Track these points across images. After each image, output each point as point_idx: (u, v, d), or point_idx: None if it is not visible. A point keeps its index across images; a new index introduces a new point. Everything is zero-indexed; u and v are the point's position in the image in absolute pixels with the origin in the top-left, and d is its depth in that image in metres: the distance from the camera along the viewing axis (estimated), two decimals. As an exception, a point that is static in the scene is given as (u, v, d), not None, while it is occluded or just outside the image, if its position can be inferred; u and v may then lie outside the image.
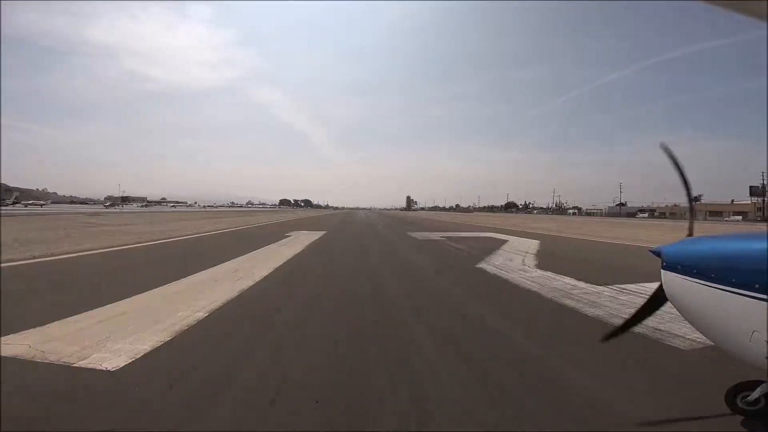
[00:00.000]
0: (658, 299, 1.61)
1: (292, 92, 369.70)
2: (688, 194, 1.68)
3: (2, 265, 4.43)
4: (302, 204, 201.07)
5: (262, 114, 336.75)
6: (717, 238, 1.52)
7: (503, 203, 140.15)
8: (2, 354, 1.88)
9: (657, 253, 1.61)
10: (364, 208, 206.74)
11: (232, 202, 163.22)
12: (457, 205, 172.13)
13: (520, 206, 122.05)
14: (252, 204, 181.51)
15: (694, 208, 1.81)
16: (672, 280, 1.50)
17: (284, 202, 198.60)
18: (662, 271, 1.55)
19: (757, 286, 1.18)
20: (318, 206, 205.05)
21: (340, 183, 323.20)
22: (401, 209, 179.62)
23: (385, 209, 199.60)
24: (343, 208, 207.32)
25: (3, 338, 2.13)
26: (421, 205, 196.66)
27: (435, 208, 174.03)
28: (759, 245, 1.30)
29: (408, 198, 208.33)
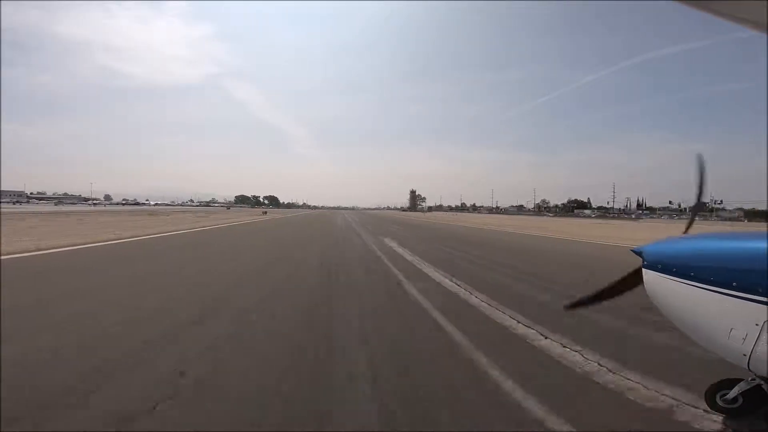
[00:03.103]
0: (629, 281, 2.04)
1: (269, 89, 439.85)
2: (699, 197, 2.13)
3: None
4: (266, 202, 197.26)
5: (238, 111, 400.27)
6: (696, 237, 1.89)
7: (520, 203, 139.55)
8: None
9: (638, 253, 1.98)
10: (347, 208, 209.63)
11: (191, 200, 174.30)
12: (463, 205, 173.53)
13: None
14: (215, 201, 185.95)
15: (696, 212, 2.32)
16: (652, 279, 1.86)
17: (243, 200, 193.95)
18: (643, 269, 1.92)
19: (734, 284, 1.52)
20: (291, 205, 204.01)
21: (320, 182, 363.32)
22: (402, 209, 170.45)
23: (369, 209, 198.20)
24: (322, 208, 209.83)
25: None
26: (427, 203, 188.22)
27: (439, 208, 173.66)
28: (736, 245, 1.67)
29: (413, 194, 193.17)
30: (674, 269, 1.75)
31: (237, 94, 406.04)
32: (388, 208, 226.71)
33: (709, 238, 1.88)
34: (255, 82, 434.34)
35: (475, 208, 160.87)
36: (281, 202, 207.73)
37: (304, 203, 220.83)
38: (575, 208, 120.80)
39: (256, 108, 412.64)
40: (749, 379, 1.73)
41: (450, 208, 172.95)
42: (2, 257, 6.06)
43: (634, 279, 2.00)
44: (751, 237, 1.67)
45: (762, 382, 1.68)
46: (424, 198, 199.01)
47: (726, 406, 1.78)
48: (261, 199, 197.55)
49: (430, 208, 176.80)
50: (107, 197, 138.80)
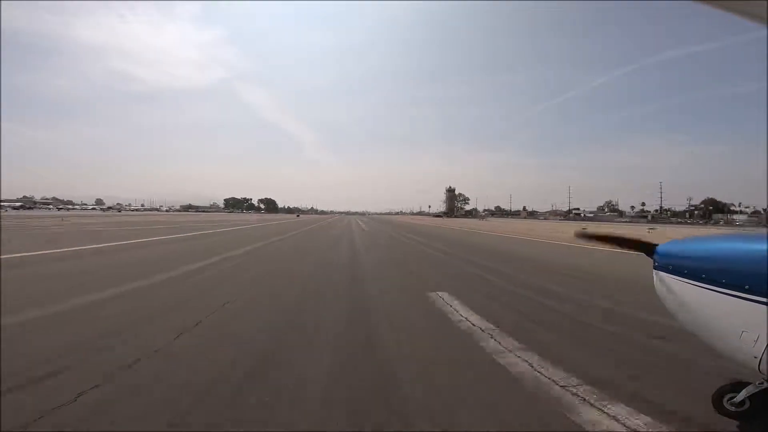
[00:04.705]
0: (641, 247, 2.41)
1: (278, 92, 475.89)
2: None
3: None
4: (262, 206, 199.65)
5: (247, 114, 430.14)
6: (707, 238, 2.21)
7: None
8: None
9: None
10: (356, 213, 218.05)
11: (189, 205, 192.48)
12: (495, 209, 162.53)
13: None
14: (216, 205, 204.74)
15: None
16: (662, 280, 2.21)
17: (234, 204, 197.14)
18: (654, 270, 2.24)
19: (747, 287, 1.80)
20: (293, 210, 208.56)
21: (330, 186, 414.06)
22: (437, 215, 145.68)
23: (380, 214, 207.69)
24: (331, 213, 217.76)
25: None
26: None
27: (475, 212, 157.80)
28: (749, 246, 1.95)
29: (451, 193, 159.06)
30: (685, 270, 2.05)
31: (246, 97, 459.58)
32: (401, 213, 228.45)
33: (721, 240, 2.17)
34: (264, 85, 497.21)
35: (530, 213, 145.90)
36: (282, 206, 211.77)
37: (312, 207, 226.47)
38: (713, 211, 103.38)
39: (265, 111, 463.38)
40: (757, 382, 2.01)
41: (489, 213, 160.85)
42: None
43: (637, 246, 2.42)
44: (764, 238, 1.91)
45: None
46: (467, 199, 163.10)
47: (733, 409, 2.07)
48: (256, 203, 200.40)
49: (469, 213, 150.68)
50: (99, 201, 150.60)
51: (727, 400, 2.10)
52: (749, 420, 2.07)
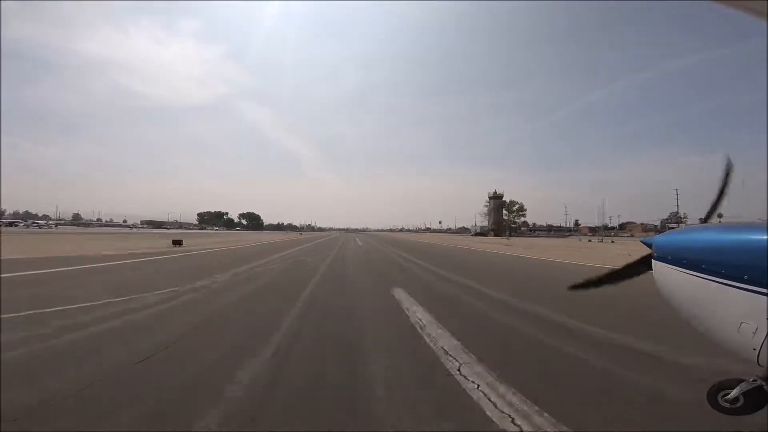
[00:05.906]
0: (635, 268, 2.63)
1: (281, 109, 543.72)
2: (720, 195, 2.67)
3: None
4: (243, 222, 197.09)
5: (248, 130, 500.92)
6: (708, 228, 2.47)
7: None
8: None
9: (649, 244, 2.56)
10: (357, 230, 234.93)
11: (176, 219, 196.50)
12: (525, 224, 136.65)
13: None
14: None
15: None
16: (662, 271, 2.44)
17: (206, 219, 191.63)
18: (653, 261, 2.53)
19: (746, 277, 1.99)
20: (283, 227, 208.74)
21: (331, 202, 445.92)
22: (476, 232, 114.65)
23: (383, 231, 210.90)
24: (330, 230, 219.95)
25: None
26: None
27: (503, 229, 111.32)
28: (748, 237, 2.12)
29: (497, 201, 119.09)
30: (684, 261, 2.26)
31: (247, 113, 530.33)
32: (402, 230, 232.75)
33: (720, 230, 2.36)
34: (266, 101, 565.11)
35: (606, 228, 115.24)
36: (278, 222, 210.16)
37: (309, 224, 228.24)
38: None
39: (266, 126, 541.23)
40: (750, 379, 2.28)
41: (519, 228, 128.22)
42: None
43: (639, 266, 2.62)
44: (763, 229, 2.08)
45: (764, 383, 2.25)
46: (523, 208, 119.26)
47: (727, 405, 2.33)
48: (237, 219, 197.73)
49: (512, 229, 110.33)
50: (76, 216, 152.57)
51: (722, 397, 2.33)
52: (743, 416, 2.29)
